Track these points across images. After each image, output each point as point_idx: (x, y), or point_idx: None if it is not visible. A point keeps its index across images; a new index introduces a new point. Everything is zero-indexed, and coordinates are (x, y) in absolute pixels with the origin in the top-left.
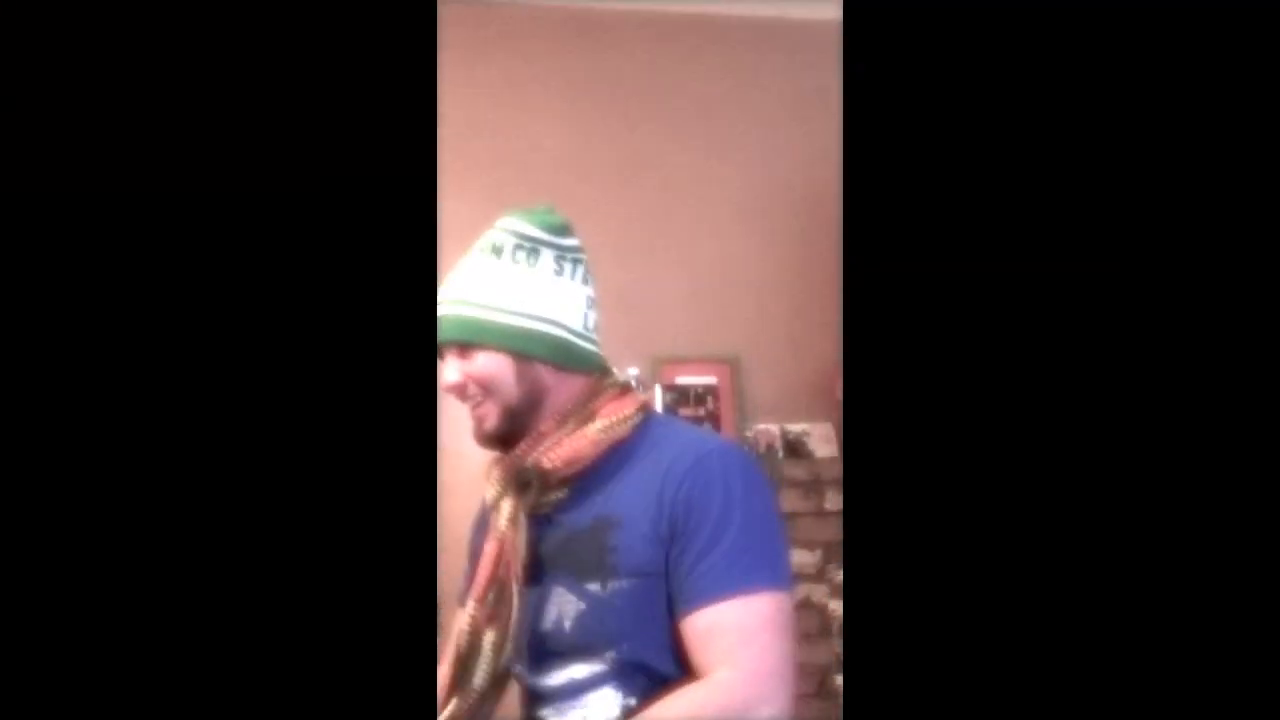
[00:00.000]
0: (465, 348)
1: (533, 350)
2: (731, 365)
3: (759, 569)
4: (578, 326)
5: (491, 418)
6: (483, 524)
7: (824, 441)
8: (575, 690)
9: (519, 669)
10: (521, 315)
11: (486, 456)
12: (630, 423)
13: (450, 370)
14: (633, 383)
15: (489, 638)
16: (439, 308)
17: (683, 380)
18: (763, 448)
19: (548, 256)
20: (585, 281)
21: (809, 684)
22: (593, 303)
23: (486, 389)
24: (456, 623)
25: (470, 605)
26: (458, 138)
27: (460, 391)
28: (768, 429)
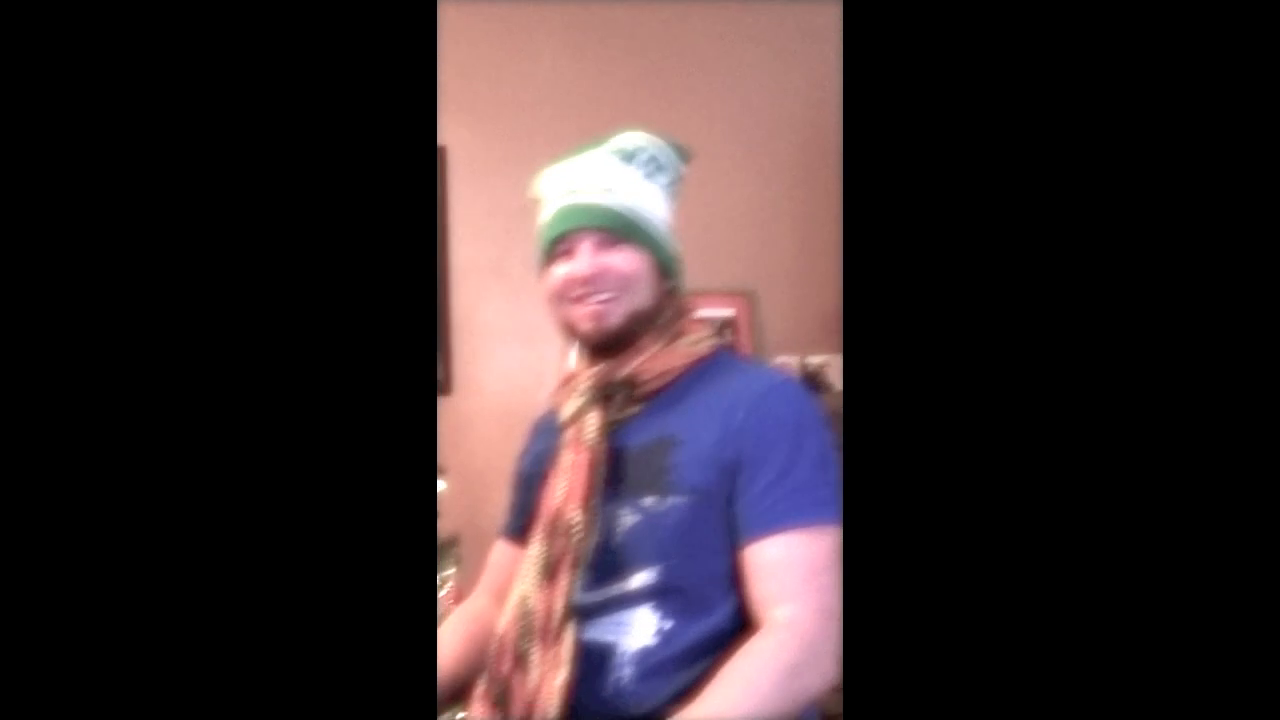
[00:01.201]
0: (611, 240)
1: (666, 261)
2: (749, 298)
3: (825, 503)
4: (676, 257)
5: (616, 315)
6: (539, 450)
7: (836, 373)
8: (614, 606)
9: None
10: (660, 222)
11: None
12: (708, 343)
13: (586, 260)
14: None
15: (580, 554)
16: (568, 198)
17: (701, 313)
18: None
19: (664, 179)
20: (673, 212)
21: None
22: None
23: (629, 285)
24: (547, 535)
25: (575, 514)
26: (459, 62)
27: (595, 281)
28: (786, 361)
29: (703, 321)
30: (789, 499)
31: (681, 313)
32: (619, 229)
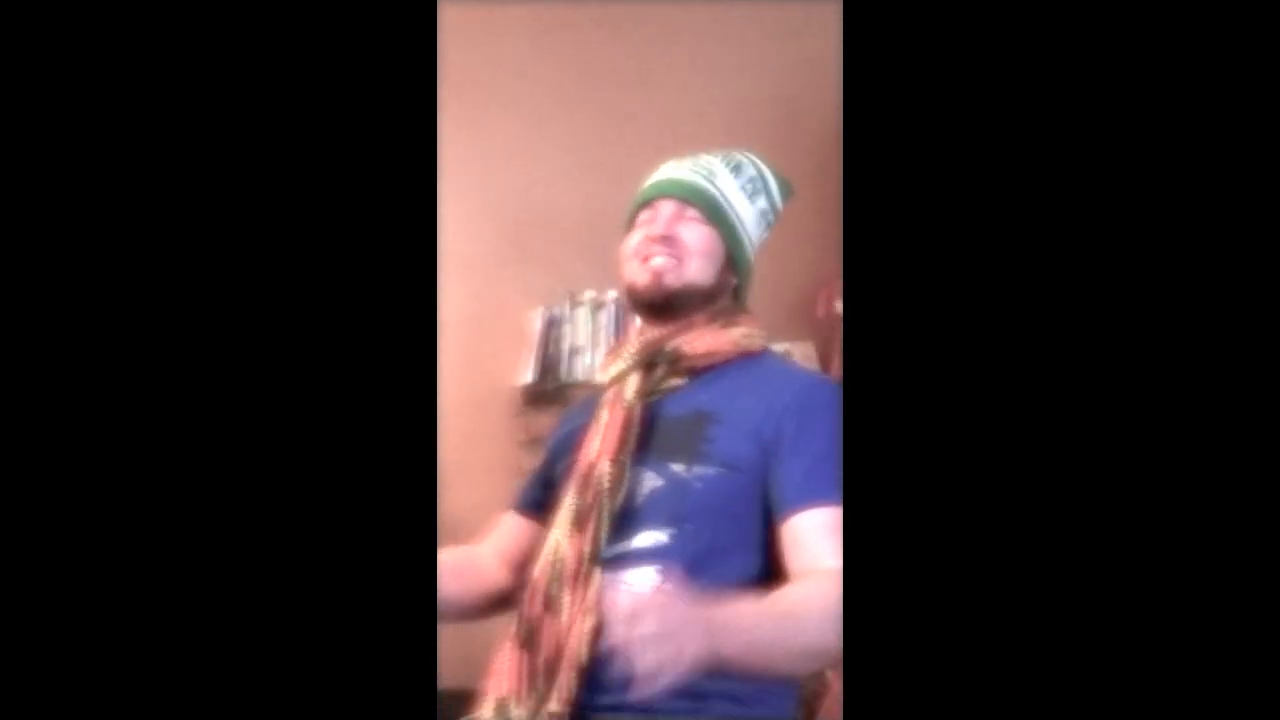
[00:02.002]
0: (693, 213)
1: (738, 256)
2: None
3: (841, 487)
4: (752, 268)
5: (673, 278)
6: (571, 428)
7: (806, 360)
8: (620, 563)
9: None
10: (742, 223)
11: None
12: (761, 340)
13: (664, 221)
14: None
15: (608, 504)
16: (669, 172)
17: None
18: None
19: (762, 203)
20: (761, 243)
21: None
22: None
23: (697, 256)
24: (579, 488)
25: (606, 465)
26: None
27: (665, 241)
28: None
29: (757, 322)
30: (824, 480)
31: (739, 310)
32: (702, 205)
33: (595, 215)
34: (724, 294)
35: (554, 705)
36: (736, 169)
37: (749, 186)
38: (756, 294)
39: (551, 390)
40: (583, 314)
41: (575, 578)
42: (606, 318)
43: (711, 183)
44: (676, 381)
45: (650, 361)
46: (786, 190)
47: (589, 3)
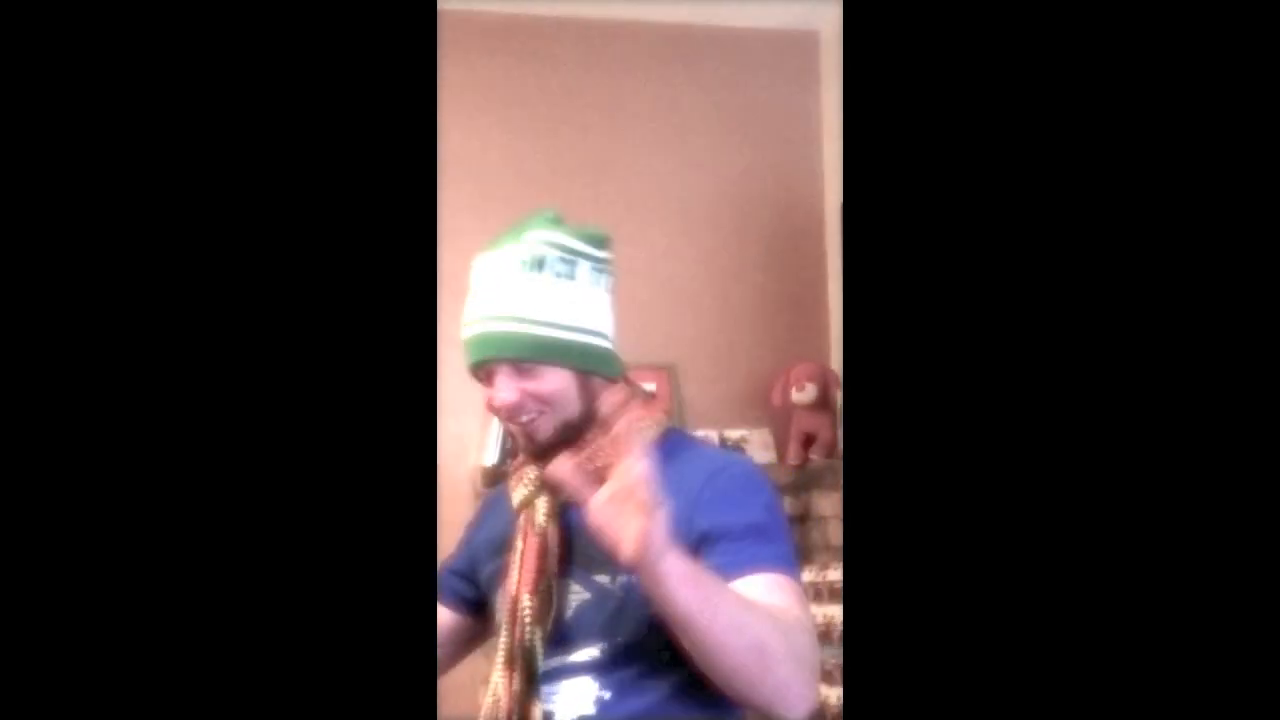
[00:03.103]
0: (525, 365)
1: (590, 365)
2: (669, 372)
3: (783, 558)
4: (612, 335)
5: (546, 430)
6: (490, 532)
7: (762, 448)
8: (557, 675)
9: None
10: (578, 330)
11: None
12: (660, 426)
13: (505, 389)
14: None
15: (539, 632)
16: (481, 324)
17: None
18: None
19: (584, 268)
20: (611, 290)
21: None
22: (613, 309)
23: (551, 405)
24: (509, 623)
25: (525, 599)
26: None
27: (516, 410)
28: (706, 435)
29: (652, 403)
30: (759, 548)
31: (626, 399)
32: (531, 354)
33: None
34: (598, 400)
35: None
36: (539, 264)
37: (560, 270)
38: (711, 385)
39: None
40: None
41: (511, 717)
42: None
43: (529, 319)
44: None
45: (555, 484)
46: (599, 238)
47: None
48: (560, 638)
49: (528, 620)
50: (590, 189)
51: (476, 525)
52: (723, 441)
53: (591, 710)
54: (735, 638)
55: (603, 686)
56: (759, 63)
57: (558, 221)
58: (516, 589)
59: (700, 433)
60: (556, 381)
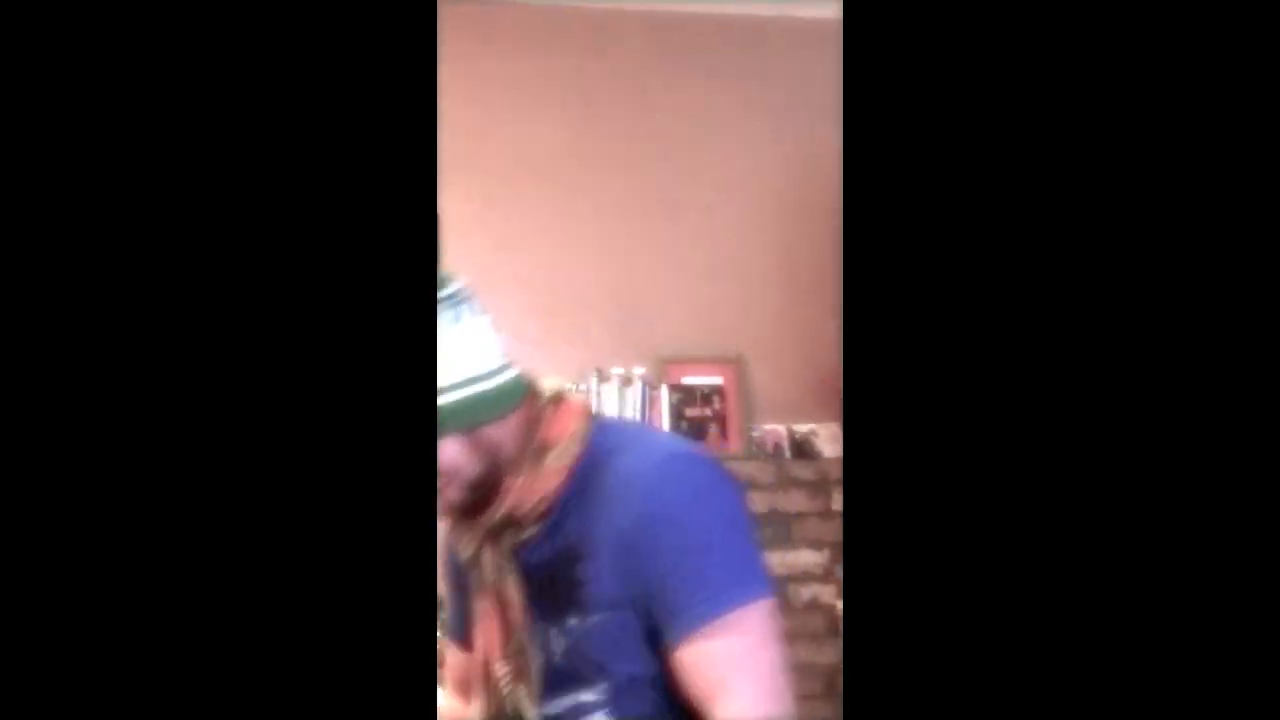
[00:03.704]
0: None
1: (476, 419)
2: (737, 365)
3: (738, 584)
4: (497, 365)
5: (455, 495)
6: (457, 566)
7: (831, 441)
8: (572, 716)
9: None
10: (449, 390)
11: None
12: (580, 439)
13: None
14: (572, 388)
15: (522, 690)
16: None
17: (688, 380)
18: (770, 448)
19: (461, 308)
20: (480, 313)
21: (817, 684)
22: (494, 327)
23: (444, 476)
24: (486, 691)
25: (499, 666)
26: (458, 134)
27: None
28: (774, 429)
29: (565, 416)
30: (697, 595)
31: (536, 422)
32: None
33: (623, 290)
34: (509, 439)
35: None
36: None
37: (444, 318)
38: (780, 378)
39: None
40: (610, 390)
41: None
42: (634, 395)
43: None
44: (531, 532)
45: (493, 534)
46: (447, 278)
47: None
48: (560, 682)
49: (506, 687)
50: (658, 180)
51: (449, 561)
52: (791, 435)
53: None
54: None
55: (617, 714)
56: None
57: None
58: (487, 655)
59: (768, 426)
60: (446, 455)
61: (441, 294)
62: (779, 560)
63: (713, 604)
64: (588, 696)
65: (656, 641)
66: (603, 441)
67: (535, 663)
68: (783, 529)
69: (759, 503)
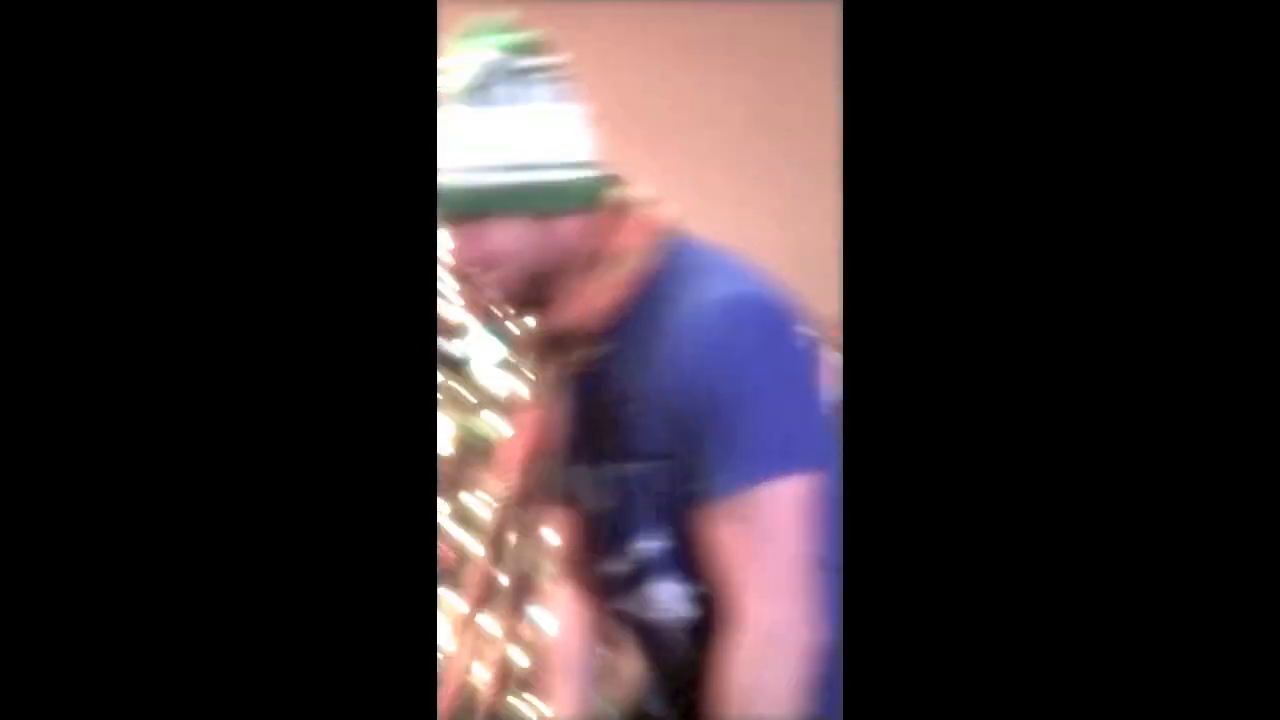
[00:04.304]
0: (470, 220)
1: (547, 205)
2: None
3: (780, 452)
4: (576, 159)
5: (511, 286)
6: None
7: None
8: (638, 577)
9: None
10: (527, 168)
11: None
12: (645, 254)
13: (455, 249)
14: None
15: (526, 516)
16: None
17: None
18: None
19: (532, 83)
20: (572, 99)
21: None
22: (588, 120)
23: (504, 259)
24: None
25: (507, 482)
26: None
27: (471, 267)
28: None
29: (636, 228)
30: (738, 456)
31: (609, 229)
32: (470, 208)
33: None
34: (565, 239)
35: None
36: (472, 96)
37: (495, 98)
38: None
39: None
40: None
41: (481, 600)
42: None
43: (458, 168)
44: (586, 354)
45: (546, 348)
46: (528, 47)
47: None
48: (618, 533)
49: (506, 499)
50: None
51: None
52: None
53: (694, 610)
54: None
55: (691, 580)
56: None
57: (500, 34)
58: (505, 465)
59: None
60: (507, 235)
61: (542, 62)
62: None
63: (744, 473)
64: (651, 548)
65: (682, 506)
66: (674, 264)
67: (556, 496)
68: None
69: None
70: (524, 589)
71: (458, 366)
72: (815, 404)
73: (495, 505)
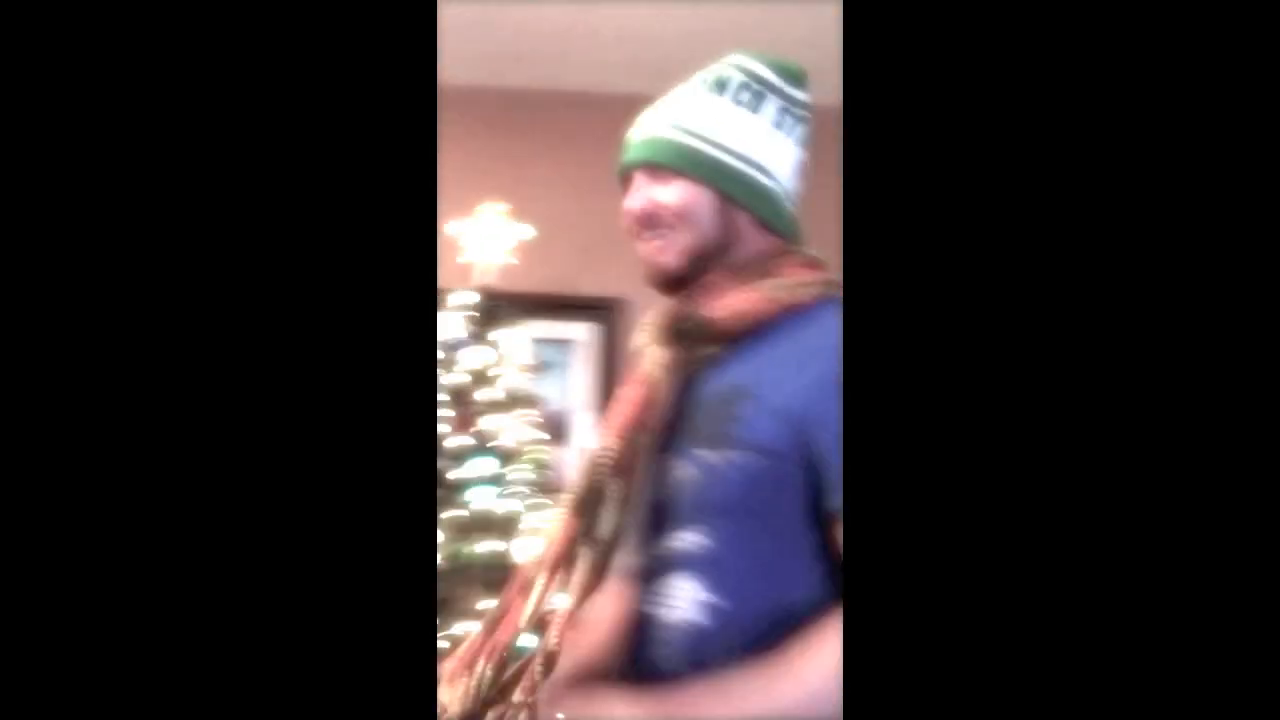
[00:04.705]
0: (663, 173)
1: (738, 193)
2: None
3: None
4: (785, 185)
5: (673, 253)
6: None
7: None
8: (662, 568)
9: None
10: (734, 154)
11: None
12: (808, 291)
13: (635, 197)
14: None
15: (615, 486)
16: (635, 133)
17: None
18: None
19: (772, 104)
20: (802, 144)
21: None
22: (802, 169)
23: (680, 220)
24: (586, 469)
25: (607, 445)
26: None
27: (645, 220)
28: None
29: (809, 267)
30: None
31: (781, 254)
32: (672, 161)
33: None
34: (739, 240)
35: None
36: (721, 87)
37: (745, 99)
38: None
39: None
40: None
41: (554, 563)
42: None
43: (677, 128)
44: (709, 350)
45: (676, 331)
46: (796, 74)
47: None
48: (662, 521)
49: (609, 464)
50: None
51: None
52: None
53: (701, 619)
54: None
55: (712, 588)
56: None
57: (766, 54)
58: (604, 434)
59: None
60: (691, 196)
61: (790, 91)
62: None
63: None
64: (686, 544)
65: (794, 505)
66: (821, 309)
67: (639, 479)
68: None
69: None
70: (606, 558)
71: (451, 489)
72: None
73: (590, 468)
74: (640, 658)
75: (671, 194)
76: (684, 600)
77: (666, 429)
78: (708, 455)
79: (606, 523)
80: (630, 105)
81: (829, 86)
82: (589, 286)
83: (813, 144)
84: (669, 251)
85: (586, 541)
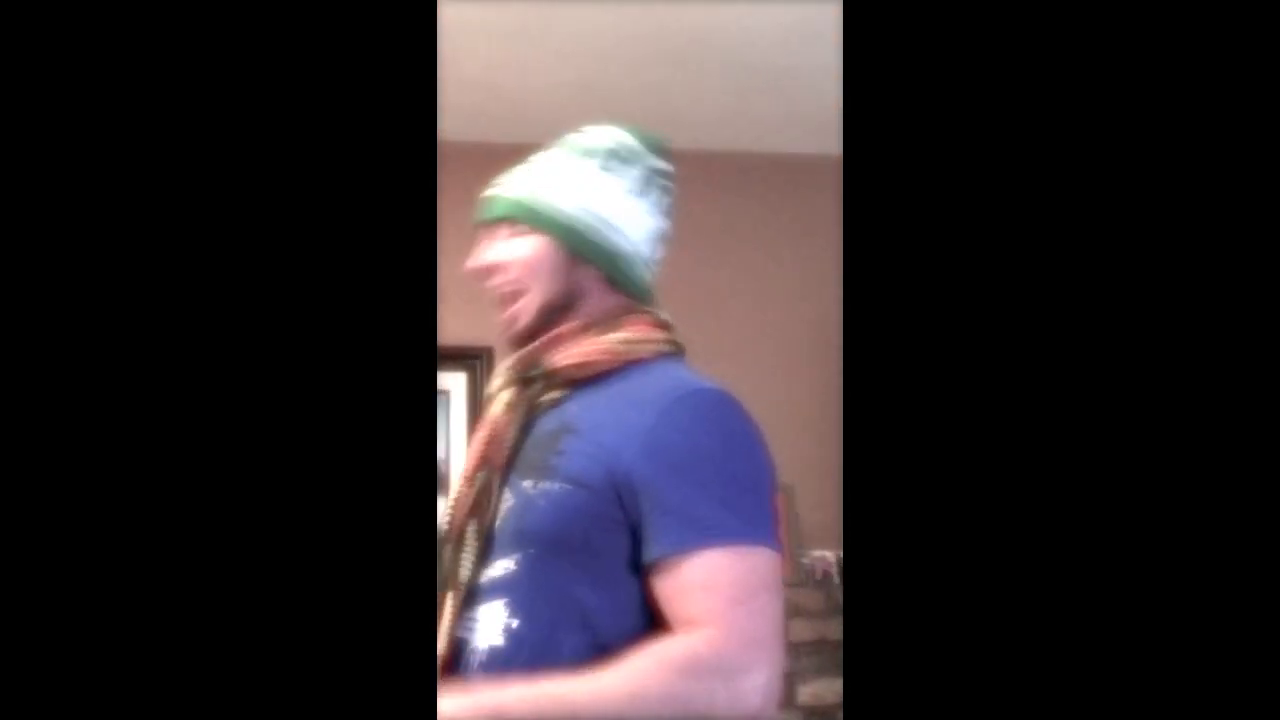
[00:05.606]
0: (518, 228)
1: (587, 251)
2: (785, 492)
3: (755, 523)
4: (640, 249)
5: (526, 315)
6: None
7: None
8: (475, 598)
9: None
10: (589, 213)
11: None
12: (650, 347)
13: (486, 251)
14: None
15: (472, 527)
16: (495, 190)
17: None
18: (819, 574)
19: (635, 171)
20: (664, 214)
21: None
22: (662, 238)
23: (528, 275)
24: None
25: (455, 491)
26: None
27: (487, 272)
28: (823, 556)
29: (656, 326)
30: (712, 515)
31: (628, 312)
32: (520, 217)
33: None
34: (588, 295)
35: None
36: (588, 154)
37: (611, 165)
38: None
39: None
40: None
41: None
42: None
43: (534, 190)
44: (553, 395)
45: (523, 378)
46: (659, 146)
47: None
48: (489, 549)
49: (456, 509)
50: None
51: None
52: (840, 561)
53: (500, 641)
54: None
55: (512, 614)
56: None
57: (635, 127)
58: (459, 482)
59: (817, 553)
60: (539, 250)
61: (655, 162)
62: (827, 689)
63: (727, 530)
64: (502, 571)
65: (600, 538)
66: (661, 364)
67: (488, 512)
68: (831, 658)
69: (807, 631)
70: (459, 596)
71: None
72: (765, 491)
73: (449, 514)
74: (453, 681)
75: (521, 249)
76: (490, 625)
77: (505, 466)
78: (526, 485)
79: (466, 565)
80: (492, 156)
81: (829, 87)
82: (457, 336)
83: (804, 195)
84: (521, 315)
85: (451, 586)
